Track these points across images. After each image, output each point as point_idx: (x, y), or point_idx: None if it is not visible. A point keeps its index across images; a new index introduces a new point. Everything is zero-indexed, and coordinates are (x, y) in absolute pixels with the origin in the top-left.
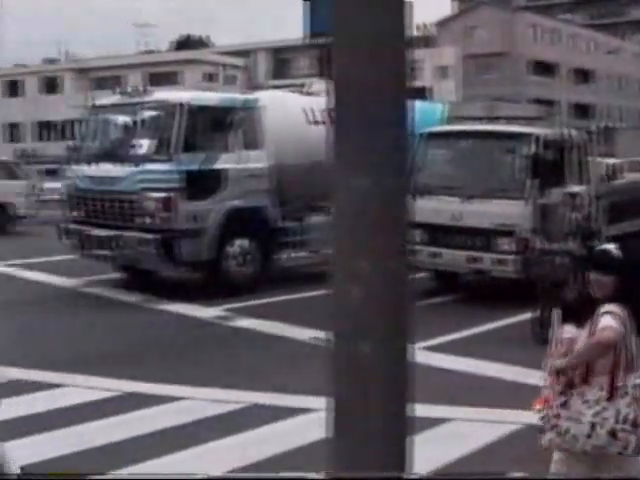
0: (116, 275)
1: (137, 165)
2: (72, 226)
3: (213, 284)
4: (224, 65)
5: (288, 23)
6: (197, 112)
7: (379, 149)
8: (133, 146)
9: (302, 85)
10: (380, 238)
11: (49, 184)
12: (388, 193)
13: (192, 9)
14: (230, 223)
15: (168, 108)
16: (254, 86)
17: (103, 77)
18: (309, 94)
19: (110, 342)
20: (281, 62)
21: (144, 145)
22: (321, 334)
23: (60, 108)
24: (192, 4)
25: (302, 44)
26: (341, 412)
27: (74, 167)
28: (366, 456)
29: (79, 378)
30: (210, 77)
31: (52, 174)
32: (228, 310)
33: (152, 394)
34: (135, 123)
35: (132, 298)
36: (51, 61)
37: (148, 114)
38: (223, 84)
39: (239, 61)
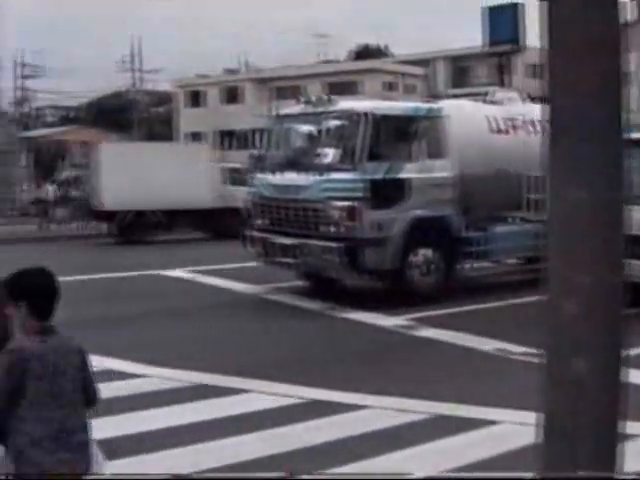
0: (299, 283)
1: (322, 174)
2: (256, 234)
3: (396, 293)
4: (403, 74)
5: (467, 31)
6: (381, 121)
7: (595, 158)
8: (318, 155)
9: (485, 94)
10: (595, 251)
11: None
12: (604, 205)
13: (371, 19)
14: (414, 232)
15: (352, 117)
16: (434, 95)
17: (283, 87)
18: (492, 103)
19: (292, 349)
20: (460, 70)
21: (329, 154)
22: (505, 346)
23: (241, 118)
24: (371, 14)
25: (481, 52)
26: (552, 425)
27: (258, 175)
28: (577, 468)
29: (263, 384)
30: (390, 86)
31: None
32: (411, 319)
33: (335, 402)
34: (319, 132)
35: (314, 306)
36: (231, 71)
37: (332, 123)
38: (403, 93)
39: (418, 70)
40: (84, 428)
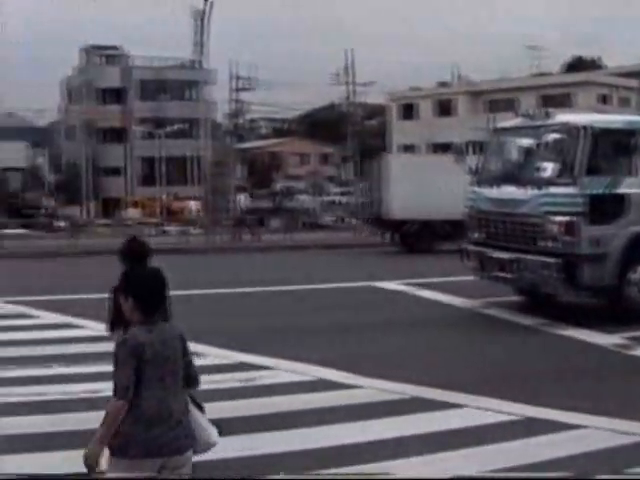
0: (513, 298)
1: (540, 188)
2: (472, 247)
3: (613, 311)
4: (617, 87)
5: None
6: (601, 135)
7: None
8: (536, 169)
9: None
10: None
11: None
12: None
13: (584, 30)
14: (633, 249)
15: (571, 131)
16: None
17: (496, 100)
18: None
19: (505, 364)
20: None
21: (547, 168)
22: None
23: (454, 130)
24: (584, 26)
25: None
26: None
27: (475, 189)
28: None
29: (476, 399)
30: (603, 99)
31: None
32: (628, 338)
33: (551, 419)
34: (538, 146)
35: (529, 321)
36: (444, 84)
37: (551, 137)
38: (617, 106)
39: (632, 82)
40: (184, 408)
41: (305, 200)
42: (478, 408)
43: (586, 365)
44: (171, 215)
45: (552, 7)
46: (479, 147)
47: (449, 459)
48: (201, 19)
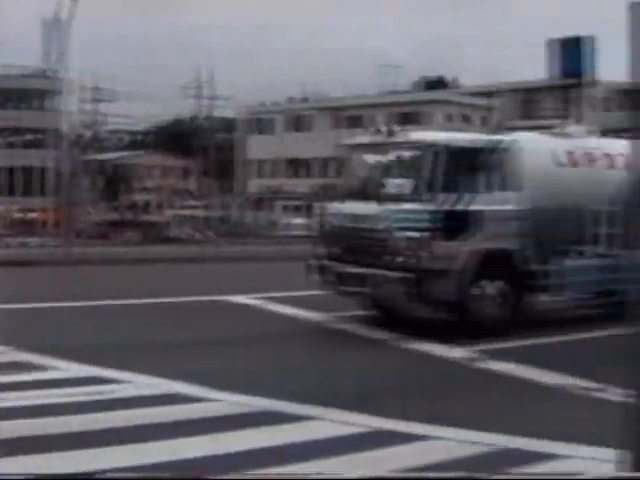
0: (363, 312)
1: (392, 204)
2: (325, 262)
3: (462, 325)
4: (472, 105)
5: (532, 64)
6: (452, 152)
7: None
8: (388, 185)
9: (553, 127)
10: None
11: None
12: None
13: (436, 50)
14: (482, 265)
15: (423, 148)
16: (501, 127)
17: (351, 116)
18: (564, 136)
19: (358, 378)
20: (527, 103)
21: (399, 184)
22: (570, 380)
23: (309, 146)
24: (436, 45)
25: (549, 85)
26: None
27: (329, 205)
28: None
29: (328, 412)
30: (458, 118)
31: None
32: (477, 352)
33: (400, 431)
34: (391, 162)
35: (380, 335)
36: (298, 100)
37: (403, 154)
38: (469, 125)
39: (485, 102)
40: None
41: (167, 213)
42: (328, 420)
43: (435, 378)
44: (20, 227)
45: (406, 25)
46: (336, 164)
47: (300, 470)
48: (49, 28)
